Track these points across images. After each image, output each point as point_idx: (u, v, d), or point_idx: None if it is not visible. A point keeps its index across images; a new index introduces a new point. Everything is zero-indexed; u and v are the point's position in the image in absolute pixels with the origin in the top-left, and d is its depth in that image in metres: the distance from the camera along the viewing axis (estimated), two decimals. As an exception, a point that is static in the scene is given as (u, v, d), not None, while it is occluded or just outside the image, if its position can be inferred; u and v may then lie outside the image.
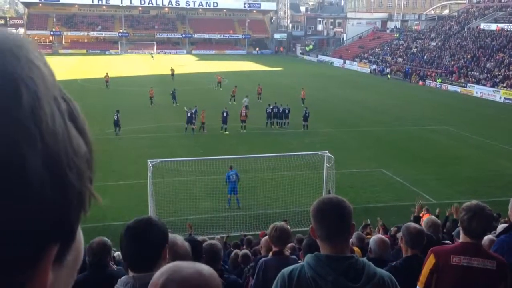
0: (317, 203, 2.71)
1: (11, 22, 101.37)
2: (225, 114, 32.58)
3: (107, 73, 52.66)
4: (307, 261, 2.67)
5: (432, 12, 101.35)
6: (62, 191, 0.60)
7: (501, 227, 6.40)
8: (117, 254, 11.50)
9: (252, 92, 44.29)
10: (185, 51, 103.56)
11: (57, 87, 0.64)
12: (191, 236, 7.13)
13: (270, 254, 5.47)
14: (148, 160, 18.92)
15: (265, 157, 22.99)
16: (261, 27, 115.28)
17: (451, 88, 59.46)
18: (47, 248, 0.61)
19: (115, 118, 30.80)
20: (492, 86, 55.18)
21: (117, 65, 74.99)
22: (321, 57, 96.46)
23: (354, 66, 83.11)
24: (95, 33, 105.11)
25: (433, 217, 8.49)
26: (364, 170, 25.53)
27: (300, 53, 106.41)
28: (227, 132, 32.42)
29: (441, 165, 26.45)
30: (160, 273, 1.14)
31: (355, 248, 8.00)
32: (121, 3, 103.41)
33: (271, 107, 35.15)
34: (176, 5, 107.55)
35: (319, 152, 20.71)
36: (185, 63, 79.88)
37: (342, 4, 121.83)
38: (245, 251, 9.61)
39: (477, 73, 60.13)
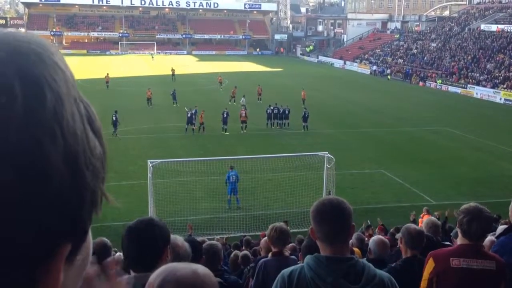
0: (317, 204, 2.71)
1: (11, 22, 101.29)
2: (225, 115, 32.60)
3: (107, 74, 52.72)
4: (307, 262, 2.67)
5: (433, 13, 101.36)
6: (79, 188, 0.62)
7: (501, 228, 6.39)
8: (119, 254, 11.50)
9: (252, 92, 44.32)
10: (185, 52, 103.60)
11: (76, 89, 0.66)
12: (191, 237, 7.13)
13: (270, 254, 5.47)
14: (148, 161, 18.94)
15: (265, 157, 23.01)
16: (262, 28, 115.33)
17: (451, 89, 59.46)
18: (61, 246, 0.63)
19: (113, 118, 30.80)
20: (493, 87, 55.19)
21: (117, 65, 75.03)
22: (321, 58, 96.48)
23: (355, 67, 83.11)
24: (95, 34, 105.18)
25: (433, 218, 8.50)
26: (364, 171, 25.54)
27: (301, 54, 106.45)
28: (227, 133, 32.43)
29: (441, 166, 26.45)
30: (156, 275, 1.15)
31: (355, 249, 8.00)
32: (122, 3, 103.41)
33: (272, 107, 35.16)
34: (176, 5, 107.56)
35: (319, 153, 20.71)
36: (186, 64, 79.92)
37: (343, 5, 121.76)
38: (245, 252, 9.61)
39: (478, 74, 60.13)
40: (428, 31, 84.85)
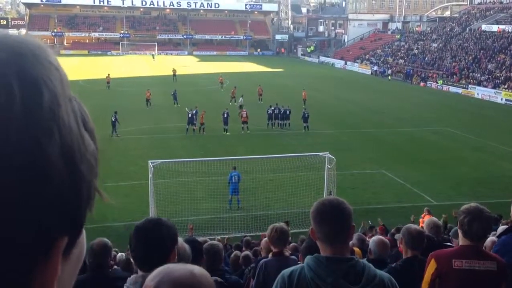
0: (317, 204, 2.71)
1: (12, 23, 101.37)
2: (225, 115, 32.61)
3: (108, 74, 52.76)
4: (307, 262, 2.67)
5: (434, 13, 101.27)
6: (75, 182, 0.65)
7: (502, 228, 6.39)
8: (120, 254, 11.52)
9: (252, 93, 44.33)
10: (186, 52, 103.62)
11: (70, 89, 0.68)
12: (192, 237, 7.13)
13: (270, 255, 5.48)
14: (149, 161, 18.94)
15: (266, 158, 23.01)
16: (263, 28, 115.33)
17: (452, 89, 59.43)
18: (59, 238, 0.65)
19: (113, 119, 30.81)
20: (494, 88, 55.16)
21: (118, 66, 75.07)
22: (322, 58, 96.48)
23: (355, 67, 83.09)
24: (96, 34, 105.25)
25: (434, 218, 8.50)
26: (365, 171, 25.54)
27: (301, 54, 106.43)
28: (228, 133, 32.44)
29: (442, 166, 26.43)
30: (152, 276, 1.16)
31: (356, 249, 8.00)
32: (123, 4, 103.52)
33: (272, 108, 35.15)
34: (177, 6, 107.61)
35: (320, 153, 20.70)
36: (187, 64, 79.95)
37: (344, 5, 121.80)
38: (246, 252, 9.62)
39: (479, 75, 60.10)
40: (429, 32, 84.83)
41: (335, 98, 49.64)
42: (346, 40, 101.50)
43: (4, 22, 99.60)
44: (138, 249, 2.77)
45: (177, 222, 17.39)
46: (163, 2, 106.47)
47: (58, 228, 0.63)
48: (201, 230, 16.72)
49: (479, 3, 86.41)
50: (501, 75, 57.40)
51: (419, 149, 30.06)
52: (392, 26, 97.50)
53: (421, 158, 27.85)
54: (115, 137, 30.39)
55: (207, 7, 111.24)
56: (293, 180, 20.75)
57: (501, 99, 52.31)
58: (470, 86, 58.00)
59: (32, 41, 0.66)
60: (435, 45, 76.87)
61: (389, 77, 70.89)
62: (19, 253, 0.60)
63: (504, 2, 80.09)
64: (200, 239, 7.56)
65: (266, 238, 6.38)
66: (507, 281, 3.87)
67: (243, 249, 12.05)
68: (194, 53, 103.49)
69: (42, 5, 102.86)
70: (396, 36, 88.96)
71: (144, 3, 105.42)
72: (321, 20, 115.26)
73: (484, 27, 72.80)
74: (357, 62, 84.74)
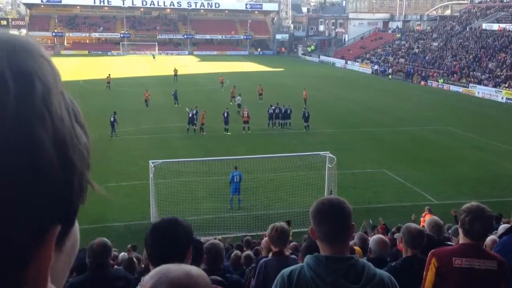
0: (317, 204, 2.71)
1: (13, 23, 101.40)
2: (226, 115, 32.62)
3: (109, 74, 52.76)
4: (307, 262, 2.67)
5: (434, 12, 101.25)
6: (67, 170, 0.66)
7: (503, 227, 6.39)
8: (122, 254, 11.53)
9: (252, 92, 44.34)
10: (186, 52, 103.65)
11: (62, 85, 0.70)
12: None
13: (270, 254, 5.48)
14: (150, 161, 18.97)
15: (267, 157, 23.01)
16: (263, 28, 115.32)
17: (453, 88, 59.40)
18: (52, 227, 0.66)
19: (112, 119, 30.82)
20: (494, 86, 55.11)
21: (119, 66, 75.09)
22: (322, 57, 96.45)
23: (356, 66, 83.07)
24: (97, 34, 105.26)
25: (435, 217, 8.49)
26: (366, 170, 25.53)
27: (302, 54, 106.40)
28: (228, 133, 32.44)
29: (443, 165, 26.42)
30: (149, 277, 1.16)
31: (356, 248, 8.00)
32: (123, 4, 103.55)
33: (273, 107, 35.14)
34: (178, 6, 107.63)
35: (321, 153, 20.72)
36: (187, 64, 79.96)
37: (344, 4, 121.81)
38: (247, 252, 9.62)
39: (479, 74, 60.06)
40: (430, 31, 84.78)
41: (336, 97, 49.62)
42: (346, 40, 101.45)
43: (4, 22, 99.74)
44: (154, 248, 2.78)
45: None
46: (164, 2, 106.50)
47: (49, 210, 0.64)
48: (202, 230, 16.72)
49: (480, 2, 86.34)
50: (501, 74, 57.35)
51: (420, 148, 30.06)
52: (393, 25, 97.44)
53: (421, 157, 27.84)
54: (115, 137, 30.42)
55: (208, 7, 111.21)
56: (294, 179, 20.76)
57: (502, 98, 52.26)
58: (470, 85, 57.96)
59: (25, 38, 0.69)
60: (435, 44, 76.82)
61: (390, 76, 70.87)
62: (12, 243, 0.61)
63: (505, 1, 80.00)
64: (202, 239, 7.57)
65: (266, 238, 6.38)
66: (507, 280, 3.86)
67: (244, 249, 12.06)
68: (195, 53, 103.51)
69: (42, 6, 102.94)
70: (397, 35, 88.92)
71: (144, 3, 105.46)
72: (322, 20, 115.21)
73: (484, 26, 72.75)
74: (357, 61, 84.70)
